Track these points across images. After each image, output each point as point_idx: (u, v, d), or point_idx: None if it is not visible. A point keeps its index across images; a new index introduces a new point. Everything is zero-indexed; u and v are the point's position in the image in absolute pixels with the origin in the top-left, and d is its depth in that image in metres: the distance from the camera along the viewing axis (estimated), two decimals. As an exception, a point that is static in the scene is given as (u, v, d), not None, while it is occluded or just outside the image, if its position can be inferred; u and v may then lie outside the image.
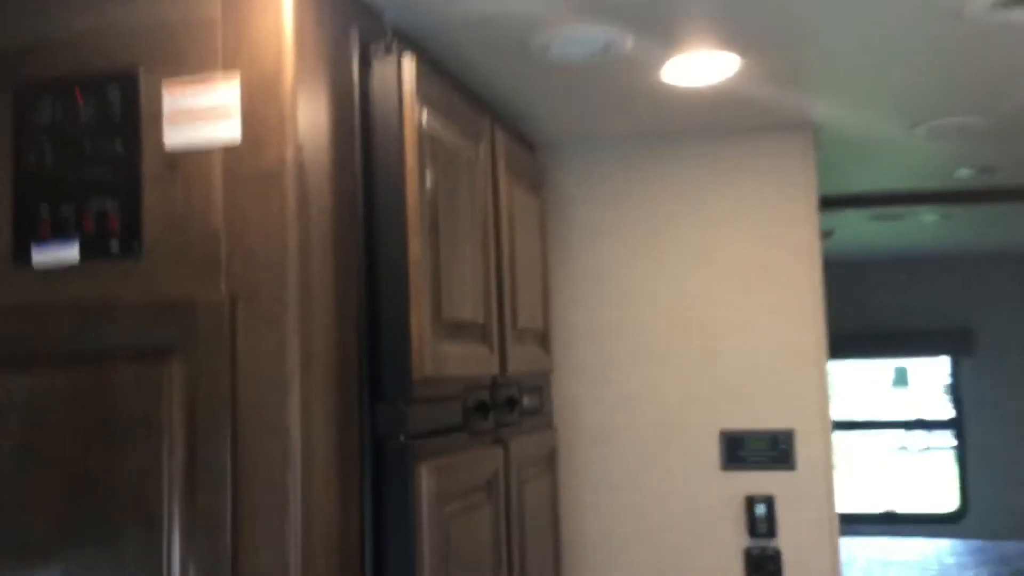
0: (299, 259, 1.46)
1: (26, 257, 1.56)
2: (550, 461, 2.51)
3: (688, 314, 2.88)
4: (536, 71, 2.23)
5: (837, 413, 2.88)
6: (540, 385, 2.56)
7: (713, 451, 2.83)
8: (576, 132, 2.85)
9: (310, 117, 1.52)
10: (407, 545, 1.61)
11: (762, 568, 2.76)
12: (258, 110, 1.48)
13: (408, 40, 1.95)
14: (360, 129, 1.67)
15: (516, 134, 2.74)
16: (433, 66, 2.08)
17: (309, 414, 1.46)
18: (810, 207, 2.83)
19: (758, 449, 2.79)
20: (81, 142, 1.55)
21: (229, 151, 1.49)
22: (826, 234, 3.49)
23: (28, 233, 1.56)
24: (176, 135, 1.51)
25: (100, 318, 1.51)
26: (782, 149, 2.86)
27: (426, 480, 1.64)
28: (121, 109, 1.53)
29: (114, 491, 1.48)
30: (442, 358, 1.75)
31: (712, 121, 2.77)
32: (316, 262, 1.51)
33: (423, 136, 1.72)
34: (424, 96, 1.74)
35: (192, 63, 1.51)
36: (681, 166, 2.91)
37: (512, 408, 2.24)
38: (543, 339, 2.56)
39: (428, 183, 1.74)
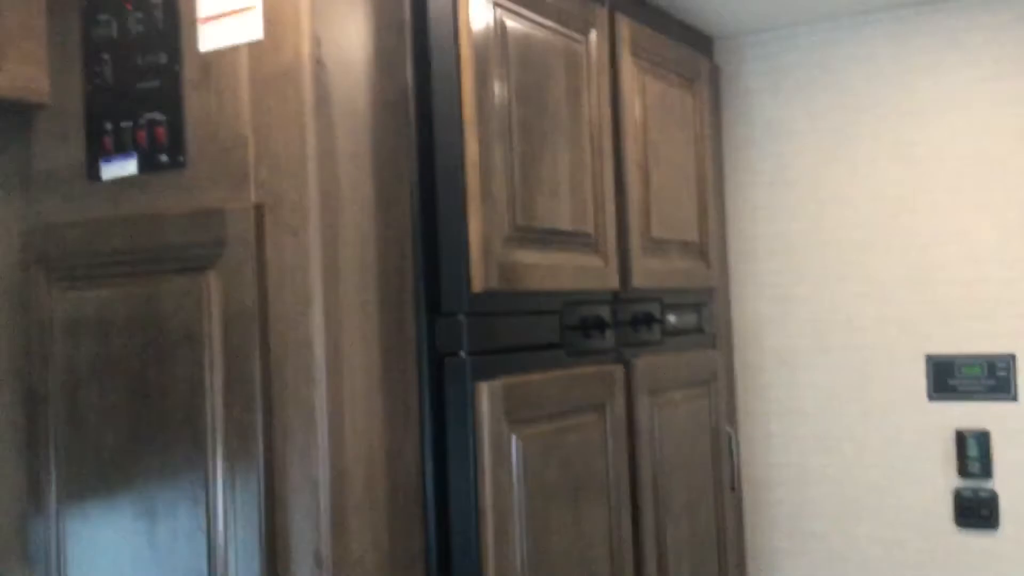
0: (320, 163, 1.37)
1: (96, 173, 1.59)
2: (709, 385, 2.29)
3: (889, 222, 2.50)
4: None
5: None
6: (699, 302, 2.33)
7: (918, 378, 2.46)
8: (753, 19, 2.52)
9: (338, 9, 1.41)
10: (466, 466, 1.50)
11: (975, 513, 2.38)
12: (276, 4, 1.39)
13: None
14: (412, 22, 1.54)
15: (677, 25, 2.48)
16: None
17: (337, 328, 1.38)
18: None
19: (972, 376, 2.39)
20: (133, 56, 1.54)
21: (253, 50, 1.41)
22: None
23: (97, 150, 1.59)
24: (208, 37, 1.46)
25: (152, 230, 1.51)
26: (997, 21, 2.37)
27: (487, 399, 1.51)
28: (164, 18, 1.50)
29: (167, 402, 1.49)
30: (520, 270, 1.61)
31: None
32: (345, 166, 1.41)
33: (487, 27, 1.56)
34: (490, -20, 1.57)
35: (219, -38, 1.45)
36: (882, 47, 2.50)
37: (648, 325, 2.05)
38: (702, 251, 2.31)
39: (496, 79, 1.57)
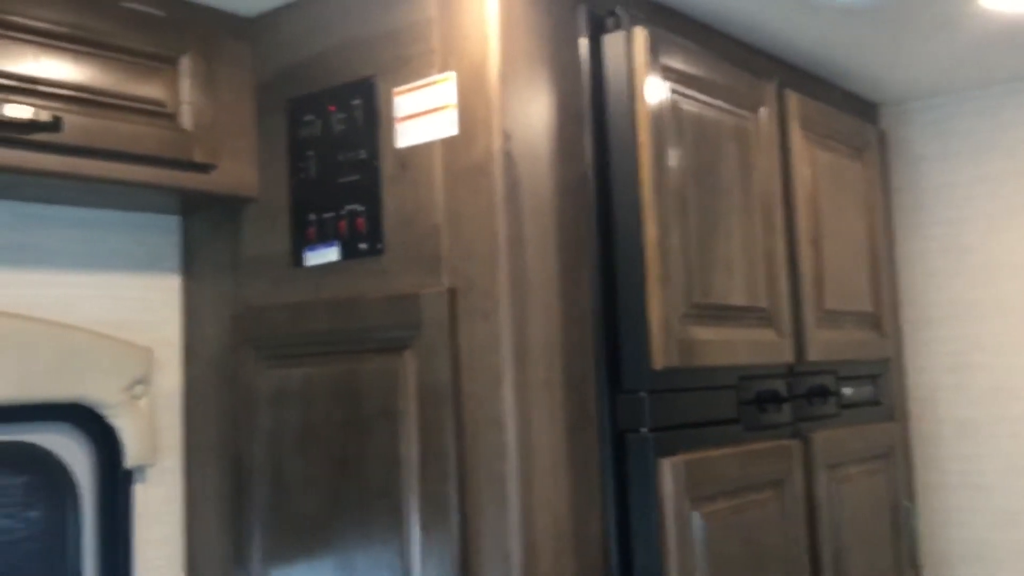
0: (510, 250, 1.45)
1: (300, 260, 1.72)
2: (887, 458, 2.24)
3: (1075, 287, 2.41)
4: (837, 21, 2.00)
5: None
6: (875, 373, 2.29)
7: (1114, 452, 2.34)
8: (920, 85, 2.50)
9: (525, 105, 1.51)
10: (650, 542, 1.53)
11: None
12: (470, 103, 1.50)
13: (666, 9, 1.85)
14: (591, 110, 1.61)
15: (841, 93, 2.48)
16: (703, 34, 1.95)
17: (526, 405, 1.45)
18: None
19: None
20: (335, 152, 1.67)
21: (448, 146, 1.52)
22: None
23: (301, 239, 1.72)
24: (406, 135, 1.57)
25: (352, 312, 1.62)
26: None
27: (671, 476, 1.54)
28: (364, 117, 1.63)
29: (365, 474, 1.58)
30: (697, 346, 1.64)
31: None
32: (532, 252, 1.49)
33: (663, 111, 1.62)
34: (664, 69, 1.64)
35: (415, 64, 1.57)
36: (1059, 110, 2.44)
37: (823, 398, 2.03)
38: (876, 321, 2.28)
39: (672, 160, 1.63)
